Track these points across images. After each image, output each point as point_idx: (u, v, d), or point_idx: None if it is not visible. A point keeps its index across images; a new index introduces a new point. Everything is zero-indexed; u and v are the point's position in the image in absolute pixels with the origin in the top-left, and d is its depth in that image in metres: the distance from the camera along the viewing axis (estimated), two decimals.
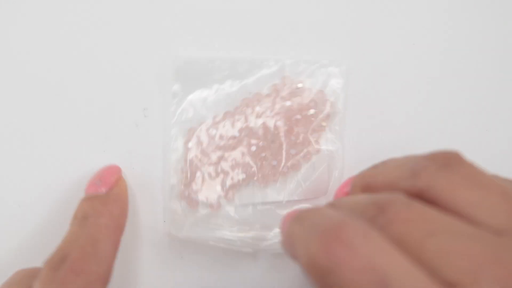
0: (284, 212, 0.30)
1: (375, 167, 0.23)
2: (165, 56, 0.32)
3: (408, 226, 0.17)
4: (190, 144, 0.30)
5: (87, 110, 0.31)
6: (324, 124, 0.31)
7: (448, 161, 0.19)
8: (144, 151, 0.31)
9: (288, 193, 0.30)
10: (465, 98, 0.32)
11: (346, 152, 0.31)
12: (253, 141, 0.30)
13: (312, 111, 0.30)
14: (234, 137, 0.30)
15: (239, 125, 0.30)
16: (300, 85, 0.31)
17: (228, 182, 0.30)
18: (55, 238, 0.30)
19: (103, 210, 0.26)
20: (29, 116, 0.31)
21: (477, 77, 0.32)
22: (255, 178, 0.30)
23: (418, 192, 0.19)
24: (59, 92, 0.32)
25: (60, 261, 0.24)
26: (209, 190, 0.30)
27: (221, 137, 0.30)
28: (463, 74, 0.32)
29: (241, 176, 0.30)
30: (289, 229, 0.21)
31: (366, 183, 0.22)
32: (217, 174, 0.30)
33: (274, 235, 0.30)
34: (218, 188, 0.30)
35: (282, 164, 0.30)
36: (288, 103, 0.30)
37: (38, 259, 0.30)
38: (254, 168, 0.30)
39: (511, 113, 0.32)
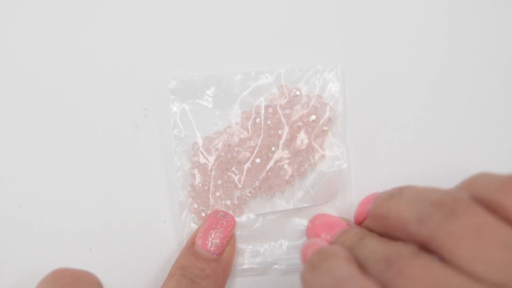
0: (295, 220, 0.30)
1: (391, 196, 0.23)
2: (163, 57, 0.32)
3: (411, 282, 0.18)
4: (195, 159, 0.30)
5: (87, 110, 0.31)
6: (326, 128, 0.31)
7: (454, 209, 0.19)
8: (144, 150, 0.31)
9: (297, 201, 0.30)
10: (465, 98, 0.32)
11: (351, 154, 0.31)
12: (257, 153, 0.30)
13: (313, 117, 0.30)
14: (238, 151, 0.30)
15: (241, 138, 0.30)
16: (297, 92, 0.31)
17: (236, 195, 0.30)
18: (54, 238, 0.30)
19: (211, 275, 0.27)
20: (29, 116, 0.31)
21: (477, 77, 0.32)
22: (262, 189, 0.30)
23: (423, 241, 0.19)
24: (59, 92, 0.32)
25: None
26: (217, 204, 0.30)
27: (225, 151, 0.30)
28: (463, 74, 0.32)
29: (248, 189, 0.30)
30: (303, 274, 0.22)
31: (381, 214, 0.23)
32: (224, 188, 0.30)
33: (282, 247, 0.30)
34: (228, 202, 0.30)
35: (288, 173, 0.30)
36: (288, 112, 0.30)
37: (38, 259, 0.30)
38: (260, 180, 0.30)
39: (511, 113, 0.32)
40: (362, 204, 0.28)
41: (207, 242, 0.27)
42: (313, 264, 0.22)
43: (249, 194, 0.30)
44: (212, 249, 0.27)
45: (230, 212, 0.30)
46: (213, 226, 0.28)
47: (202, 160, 0.30)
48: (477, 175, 0.21)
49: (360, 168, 0.31)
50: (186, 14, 0.32)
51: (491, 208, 0.19)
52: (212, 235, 0.27)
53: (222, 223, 0.28)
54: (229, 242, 0.28)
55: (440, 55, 0.32)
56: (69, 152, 0.31)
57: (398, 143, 0.31)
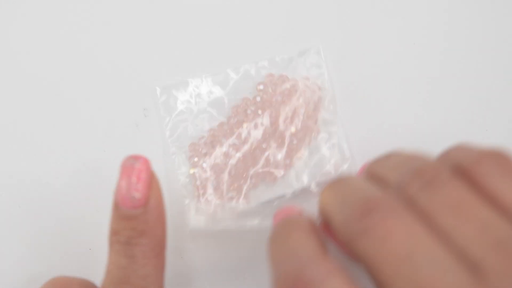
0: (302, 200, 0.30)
1: (380, 159, 0.23)
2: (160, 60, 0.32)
3: (384, 242, 0.17)
4: (195, 159, 0.30)
5: (87, 110, 0.31)
6: (318, 106, 0.31)
7: (433, 179, 0.18)
8: (144, 150, 0.31)
9: (300, 183, 0.30)
10: (465, 98, 0.32)
11: (347, 130, 0.31)
12: (254, 143, 0.30)
13: (303, 98, 0.31)
14: (234, 144, 0.30)
15: (236, 131, 0.31)
16: (284, 78, 0.31)
17: (240, 187, 0.30)
18: (54, 238, 0.30)
19: (146, 228, 0.23)
20: (29, 115, 0.31)
21: (477, 77, 0.32)
22: (264, 177, 0.30)
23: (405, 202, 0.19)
24: (59, 92, 0.32)
25: None
26: (222, 199, 0.30)
27: (222, 146, 0.30)
28: (463, 74, 0.32)
29: (250, 179, 0.30)
30: (268, 244, 0.21)
31: (373, 172, 0.22)
32: (227, 183, 0.30)
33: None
34: (233, 194, 0.30)
35: (287, 156, 0.30)
36: (278, 98, 0.31)
37: (37, 259, 0.30)
38: (261, 169, 0.30)
39: (511, 113, 0.32)
40: (358, 174, 0.27)
41: (126, 198, 0.23)
42: (276, 236, 0.21)
43: (252, 184, 0.30)
44: (134, 204, 0.23)
45: (237, 203, 0.30)
46: (126, 177, 0.23)
47: (200, 160, 0.30)
48: (455, 146, 0.21)
49: (359, 145, 0.31)
50: (186, 14, 0.32)
51: (471, 181, 0.18)
52: (129, 188, 0.23)
53: (134, 171, 0.23)
54: (150, 186, 0.24)
55: (440, 55, 0.32)
56: (69, 152, 0.31)
57: (398, 142, 0.31)
